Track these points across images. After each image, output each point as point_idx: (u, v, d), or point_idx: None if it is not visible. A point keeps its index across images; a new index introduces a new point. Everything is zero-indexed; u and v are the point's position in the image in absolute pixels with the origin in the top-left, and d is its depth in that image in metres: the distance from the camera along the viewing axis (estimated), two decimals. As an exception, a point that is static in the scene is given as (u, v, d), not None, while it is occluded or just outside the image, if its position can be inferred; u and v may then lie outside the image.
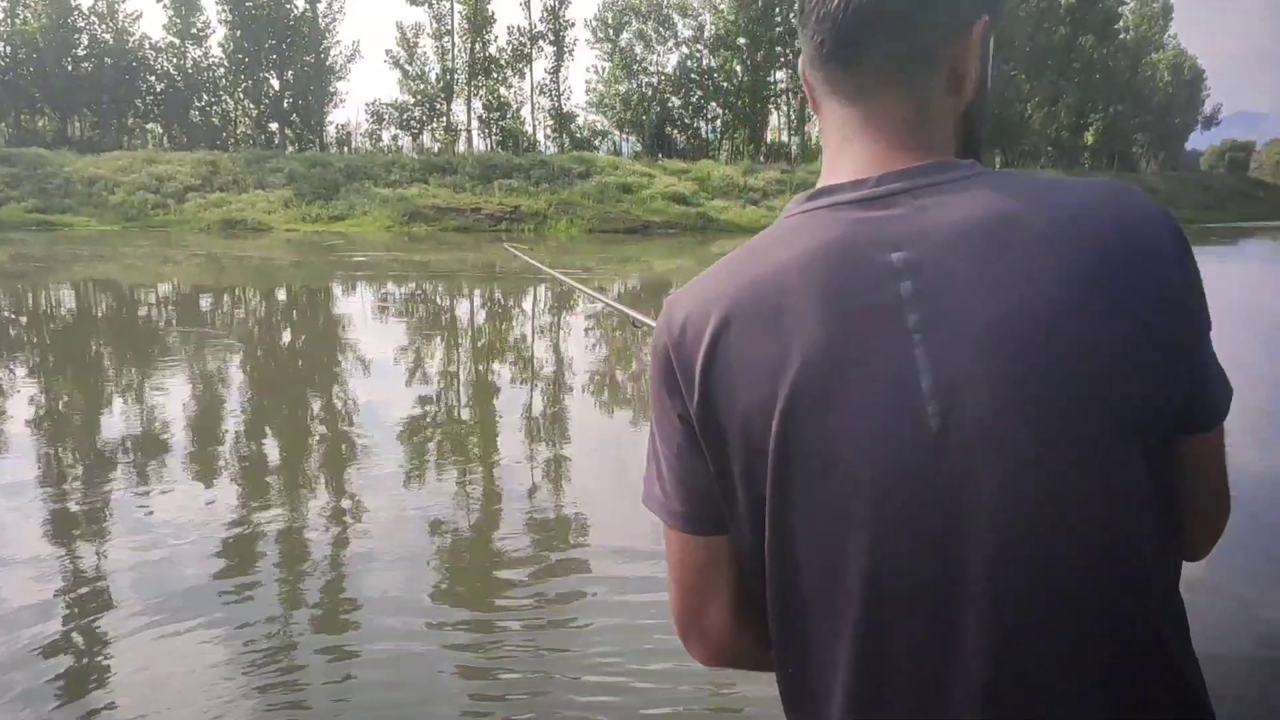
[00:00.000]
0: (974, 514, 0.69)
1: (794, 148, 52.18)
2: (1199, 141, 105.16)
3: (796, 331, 0.73)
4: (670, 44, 49.76)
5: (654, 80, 49.52)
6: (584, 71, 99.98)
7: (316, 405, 7.65)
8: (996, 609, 0.69)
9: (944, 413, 0.69)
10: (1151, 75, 67.78)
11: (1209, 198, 50.95)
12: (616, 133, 50.40)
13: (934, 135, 0.79)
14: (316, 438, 6.57)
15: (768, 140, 52.31)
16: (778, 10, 47.82)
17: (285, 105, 45.92)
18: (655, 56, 49.68)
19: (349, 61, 47.26)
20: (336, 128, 50.08)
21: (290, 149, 43.08)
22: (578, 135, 49.90)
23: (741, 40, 47.80)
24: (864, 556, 0.72)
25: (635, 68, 49.19)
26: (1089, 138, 64.91)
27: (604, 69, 49.61)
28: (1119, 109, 63.51)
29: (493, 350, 10.37)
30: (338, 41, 46.94)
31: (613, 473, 5.90)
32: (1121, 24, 61.62)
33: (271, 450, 6.17)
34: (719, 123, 51.31)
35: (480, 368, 9.47)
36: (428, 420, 7.06)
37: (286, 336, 11.47)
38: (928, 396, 0.70)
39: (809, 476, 0.73)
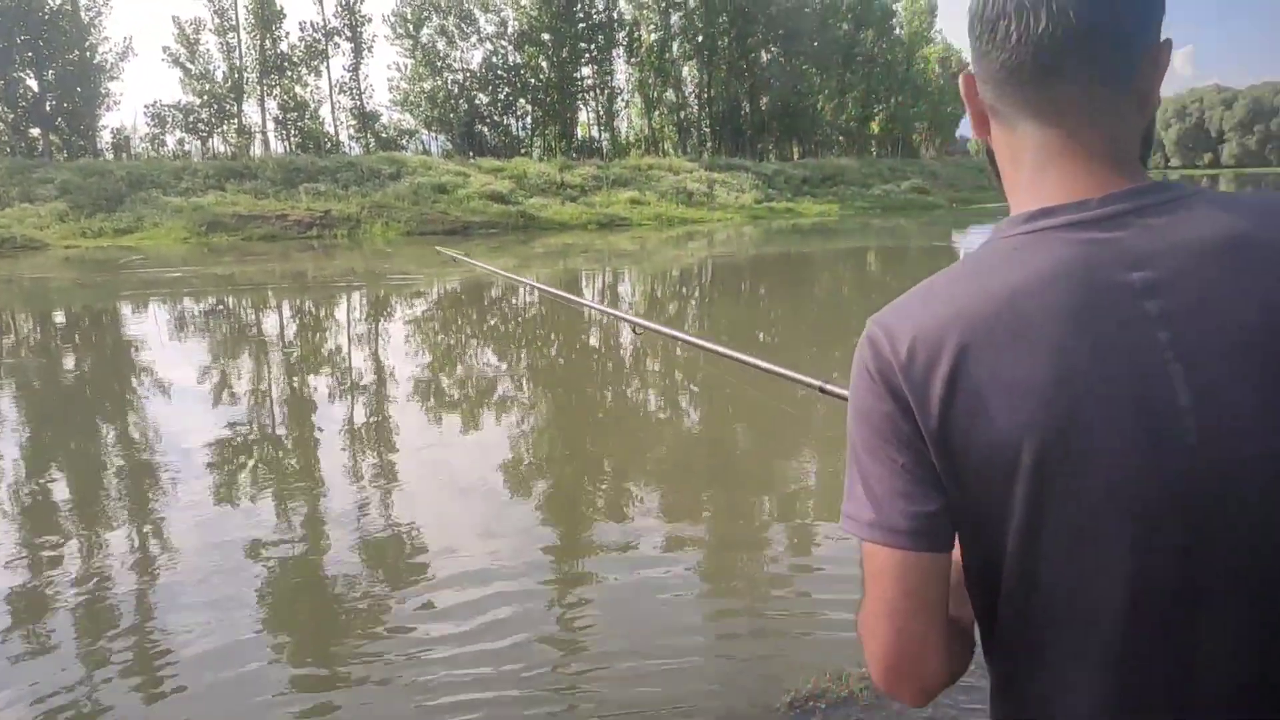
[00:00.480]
0: (1233, 523, 0.72)
1: (605, 143, 52.72)
2: (967, 128, 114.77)
3: (1043, 352, 0.74)
4: (474, 40, 48.98)
5: (459, 77, 48.59)
6: (385, 69, 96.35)
7: (109, 436, 7.01)
8: (1257, 610, 0.73)
9: (1201, 428, 0.72)
10: (924, 68, 73.37)
11: (982, 179, 55.81)
12: (424, 131, 49.12)
13: (1130, 155, 0.82)
14: (111, 471, 6.02)
15: (578, 136, 52.61)
16: (579, 6, 48.12)
17: (48, 108, 41.56)
18: (459, 53, 48.77)
19: (121, 60, 43.27)
20: (112, 132, 45.89)
21: (59, 157, 39.06)
22: (383, 135, 48.22)
23: (546, 36, 47.75)
24: (1121, 566, 0.74)
25: (439, 64, 48.06)
26: (874, 127, 69.54)
27: (406, 66, 48.19)
28: (899, 100, 68.42)
29: (307, 364, 9.87)
30: (106, 38, 42.92)
31: (446, 486, 5.78)
32: (897, 20, 66.30)
33: (58, 489, 5.61)
34: (529, 120, 51.07)
35: (293, 383, 8.99)
36: (237, 443, 6.62)
37: (70, 363, 10.41)
38: (1184, 413, 0.72)
39: (1063, 495, 0.75)
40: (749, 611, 3.88)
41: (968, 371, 0.77)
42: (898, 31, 66.52)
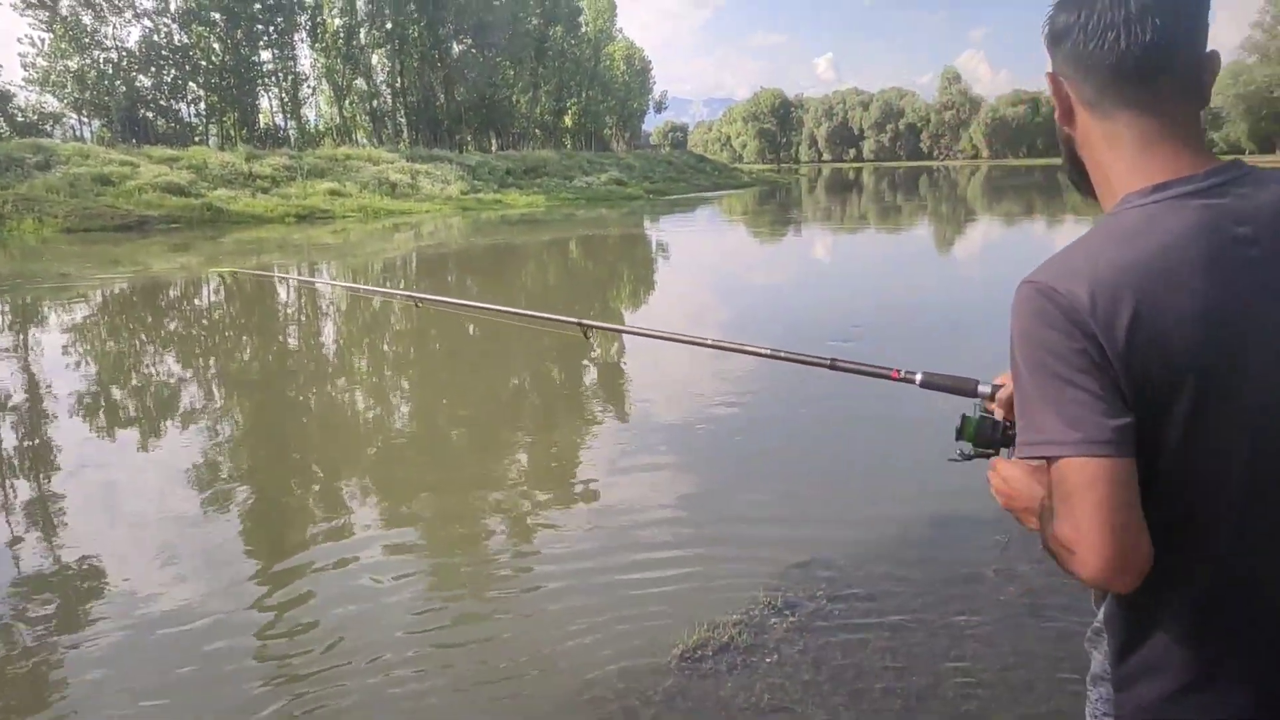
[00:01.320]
0: None
1: (292, 132, 49.50)
2: (650, 123, 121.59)
3: (1196, 293, 0.99)
4: (128, 15, 43.63)
5: (114, 56, 43.12)
6: (16, 42, 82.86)
7: None
8: None
9: None
10: (610, 64, 76.66)
11: (672, 171, 59.66)
12: (73, 116, 43.08)
13: (1203, 139, 1.09)
14: None
15: (260, 124, 48.89)
16: (255, -15, 44.63)
17: None
18: (110, 29, 43.22)
19: None
20: None
21: None
22: (21, 119, 41.61)
23: (216, 15, 43.77)
24: (1244, 468, 1.02)
25: (86, 40, 42.27)
26: (568, 121, 71.61)
27: (43, 40, 41.87)
28: (590, 94, 70.99)
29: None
30: None
31: (119, 511, 5.20)
32: (583, 18, 68.59)
33: None
34: (203, 105, 46.58)
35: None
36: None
37: None
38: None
39: (1220, 395, 1.00)
40: (598, 586, 3.95)
41: (1144, 311, 0.98)
42: (585, 29, 68.84)
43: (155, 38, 43.79)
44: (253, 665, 3.35)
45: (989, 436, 1.39)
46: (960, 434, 1.40)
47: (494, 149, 56.68)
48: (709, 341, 2.09)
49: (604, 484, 5.34)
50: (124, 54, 43.15)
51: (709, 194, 50.15)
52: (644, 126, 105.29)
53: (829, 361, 1.81)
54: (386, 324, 11.81)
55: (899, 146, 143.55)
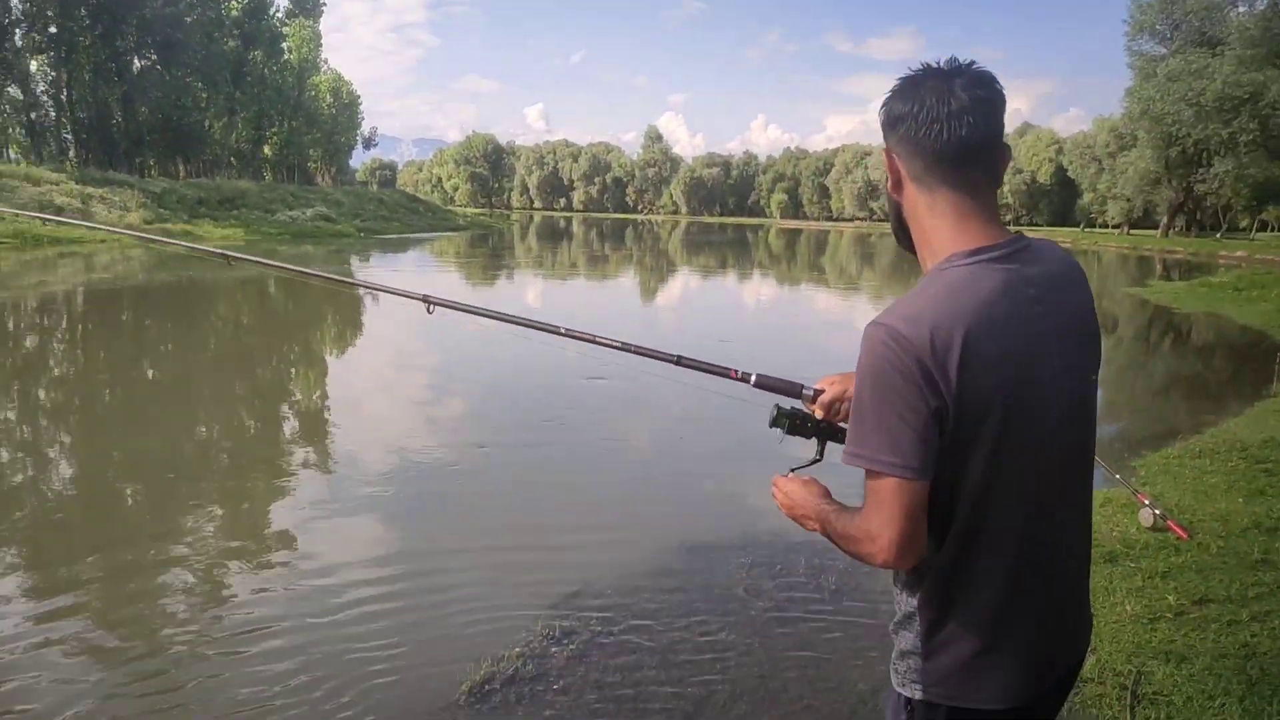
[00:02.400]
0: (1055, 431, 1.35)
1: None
2: (357, 159, 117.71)
3: (1002, 339, 1.26)
4: None
5: None
6: None
7: None
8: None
9: (1063, 380, 1.34)
10: (316, 95, 73.32)
11: (384, 210, 57.89)
12: None
13: (998, 213, 1.39)
14: None
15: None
16: None
17: None
18: None
19: None
20: None
21: None
22: None
23: None
24: (1033, 478, 1.33)
25: None
26: (268, 150, 67.35)
27: None
28: (293, 124, 67.33)
29: None
30: None
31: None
32: (286, 45, 65.13)
33: None
34: None
35: None
36: None
37: None
38: (1059, 374, 1.33)
39: (1021, 426, 1.28)
40: (380, 619, 3.90)
41: (968, 352, 1.23)
42: (288, 56, 65.41)
43: None
44: None
45: (800, 426, 1.76)
46: (774, 422, 1.75)
47: (182, 176, 51.85)
48: (562, 330, 2.18)
49: (333, 529, 5.11)
50: None
51: (424, 235, 49.39)
52: (351, 162, 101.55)
53: (675, 357, 1.97)
54: (43, 359, 10.38)
55: (606, 199, 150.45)
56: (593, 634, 3.78)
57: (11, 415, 7.83)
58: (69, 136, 47.47)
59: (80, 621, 3.85)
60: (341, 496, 5.72)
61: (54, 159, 44.26)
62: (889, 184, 1.42)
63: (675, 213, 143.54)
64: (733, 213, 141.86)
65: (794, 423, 1.76)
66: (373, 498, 5.68)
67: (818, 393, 1.77)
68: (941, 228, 1.35)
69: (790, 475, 1.62)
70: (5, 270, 21.40)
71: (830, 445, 1.75)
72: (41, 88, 46.87)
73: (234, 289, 19.54)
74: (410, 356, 11.84)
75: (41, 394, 8.84)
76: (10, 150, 46.41)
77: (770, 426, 1.76)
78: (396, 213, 58.84)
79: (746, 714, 3.21)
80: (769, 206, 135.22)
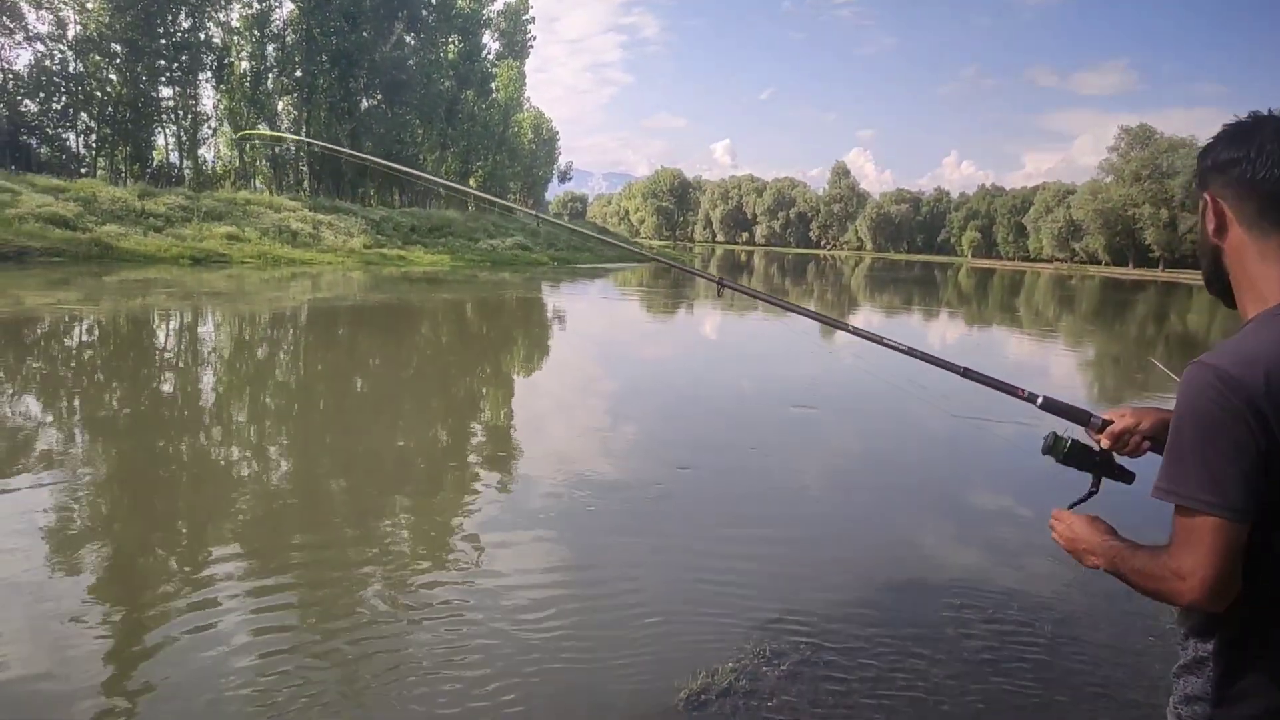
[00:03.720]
0: None
1: (187, 171, 48.09)
2: (551, 191, 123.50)
3: None
4: (19, 38, 41.90)
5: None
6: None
7: None
8: None
9: None
10: (519, 132, 77.93)
11: (576, 240, 60.48)
12: (-53, 137, 40.64)
13: None
14: None
15: (154, 161, 47.35)
16: (160, 21, 43.66)
17: None
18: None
19: None
20: None
21: None
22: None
23: (117, 46, 42.54)
24: None
25: (-32, 60, 40.30)
26: (473, 182, 72.07)
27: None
28: (498, 158, 71.80)
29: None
30: None
31: None
32: (495, 84, 69.75)
33: None
34: (94, 137, 44.80)
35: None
36: None
37: None
38: None
39: None
40: (587, 633, 4.10)
41: None
42: (495, 94, 69.93)
43: (47, 63, 42.11)
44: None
45: (1080, 457, 1.72)
46: (1049, 449, 1.72)
47: (398, 205, 56.40)
48: (850, 327, 2.18)
49: (560, 536, 5.52)
50: (12, 78, 41.26)
51: (612, 265, 51.21)
52: (546, 195, 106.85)
53: (961, 369, 1.96)
54: (271, 369, 11.73)
55: (789, 233, 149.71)
56: (802, 657, 3.94)
57: (242, 417, 9.02)
58: (305, 169, 52.81)
59: (283, 608, 4.24)
60: (544, 509, 6.10)
61: (291, 189, 49.44)
62: (1210, 230, 1.43)
63: (859, 248, 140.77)
64: (920, 250, 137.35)
65: (1074, 451, 1.71)
66: (573, 512, 6.03)
67: (1106, 423, 1.71)
68: (1271, 272, 1.34)
69: (1071, 510, 1.62)
70: (247, 286, 24.23)
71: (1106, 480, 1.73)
72: (285, 124, 52.46)
73: (437, 309, 21.22)
74: (611, 376, 12.47)
75: (267, 399, 10.09)
76: (257, 180, 52.20)
77: (1044, 454, 1.73)
78: (588, 243, 61.29)
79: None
80: (960, 244, 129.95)
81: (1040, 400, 1.82)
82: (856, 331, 2.14)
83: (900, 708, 3.59)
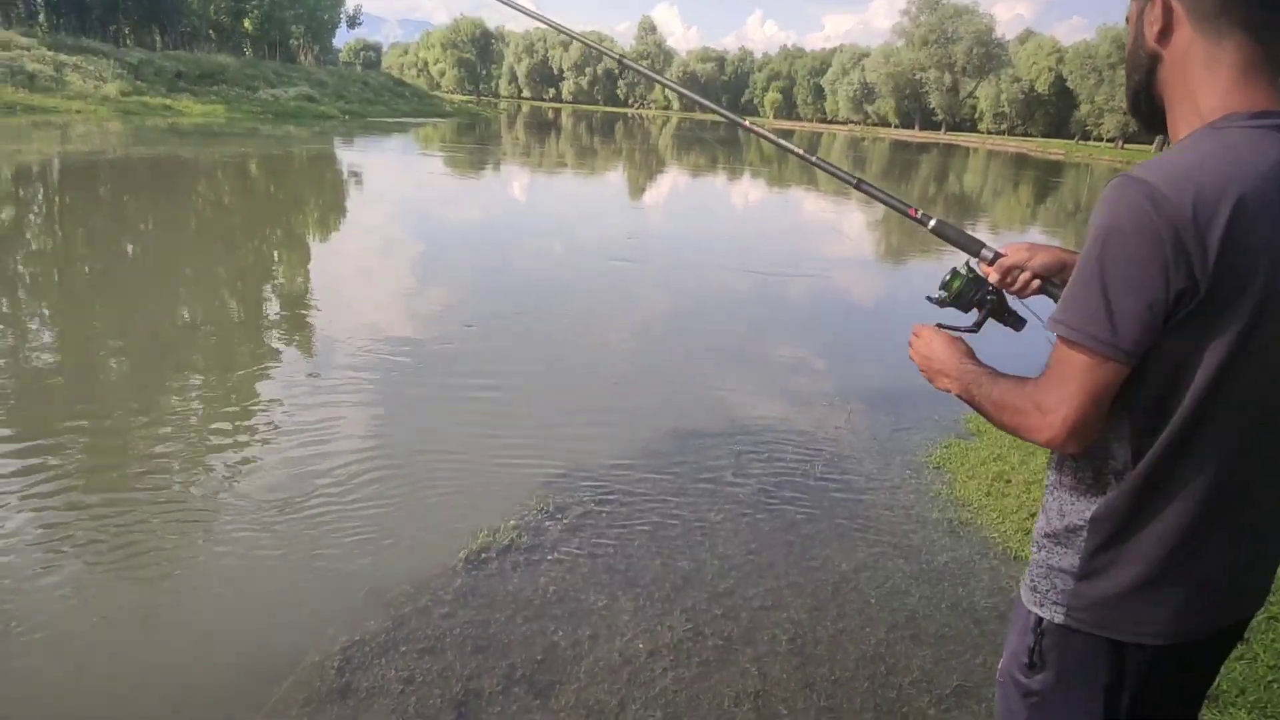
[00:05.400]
0: None
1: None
2: (340, 39, 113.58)
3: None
4: None
5: None
6: None
7: None
8: None
9: None
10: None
11: (368, 92, 56.20)
12: None
13: None
14: None
15: None
16: None
17: None
18: None
19: None
20: None
21: None
22: None
23: None
24: (1269, 383, 1.13)
25: None
26: (248, 25, 64.72)
27: None
28: (274, -1, 64.57)
29: None
30: None
31: None
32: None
33: None
34: None
35: None
36: None
37: None
38: None
39: (1272, 324, 1.09)
40: (370, 498, 3.96)
41: (1234, 228, 1.04)
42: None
43: None
44: None
45: (967, 297, 1.52)
46: (944, 285, 1.53)
47: (158, 47, 49.89)
48: (813, 160, 1.85)
49: (342, 408, 5.18)
50: None
51: (410, 120, 48.16)
52: (335, 42, 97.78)
53: (855, 180, 1.77)
54: (21, 232, 10.23)
55: (597, 91, 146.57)
56: (585, 510, 3.93)
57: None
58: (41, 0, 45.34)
59: (59, 492, 3.86)
60: (333, 374, 5.75)
61: (22, 22, 42.37)
62: (1150, 35, 1.21)
63: (667, 108, 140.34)
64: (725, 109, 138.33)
65: (962, 294, 1.53)
66: (362, 377, 5.72)
67: (997, 255, 1.53)
68: (1218, 83, 1.15)
69: (935, 326, 1.46)
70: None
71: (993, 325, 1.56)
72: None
73: (215, 166, 19.13)
74: (415, 238, 11.73)
75: (20, 265, 8.73)
76: (-24, 12, 44.36)
77: (938, 290, 1.55)
78: (381, 96, 57.16)
79: (734, 588, 3.38)
80: (763, 106, 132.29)
81: (932, 224, 1.63)
82: (804, 159, 1.86)
83: (677, 550, 3.65)
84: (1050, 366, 1.18)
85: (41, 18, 44.98)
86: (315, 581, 3.26)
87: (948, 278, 1.53)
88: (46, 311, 7.15)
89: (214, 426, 4.75)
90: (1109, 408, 1.17)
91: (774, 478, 4.47)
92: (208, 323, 6.98)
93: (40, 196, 13.50)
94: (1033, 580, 1.33)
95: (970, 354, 1.39)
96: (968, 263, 1.57)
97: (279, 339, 6.65)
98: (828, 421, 5.43)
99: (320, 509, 3.81)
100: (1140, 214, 1.07)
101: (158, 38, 53.19)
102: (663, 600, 3.24)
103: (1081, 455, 1.24)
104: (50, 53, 33.26)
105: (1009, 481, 4.48)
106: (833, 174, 1.82)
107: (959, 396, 1.35)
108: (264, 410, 5.04)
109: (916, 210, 1.67)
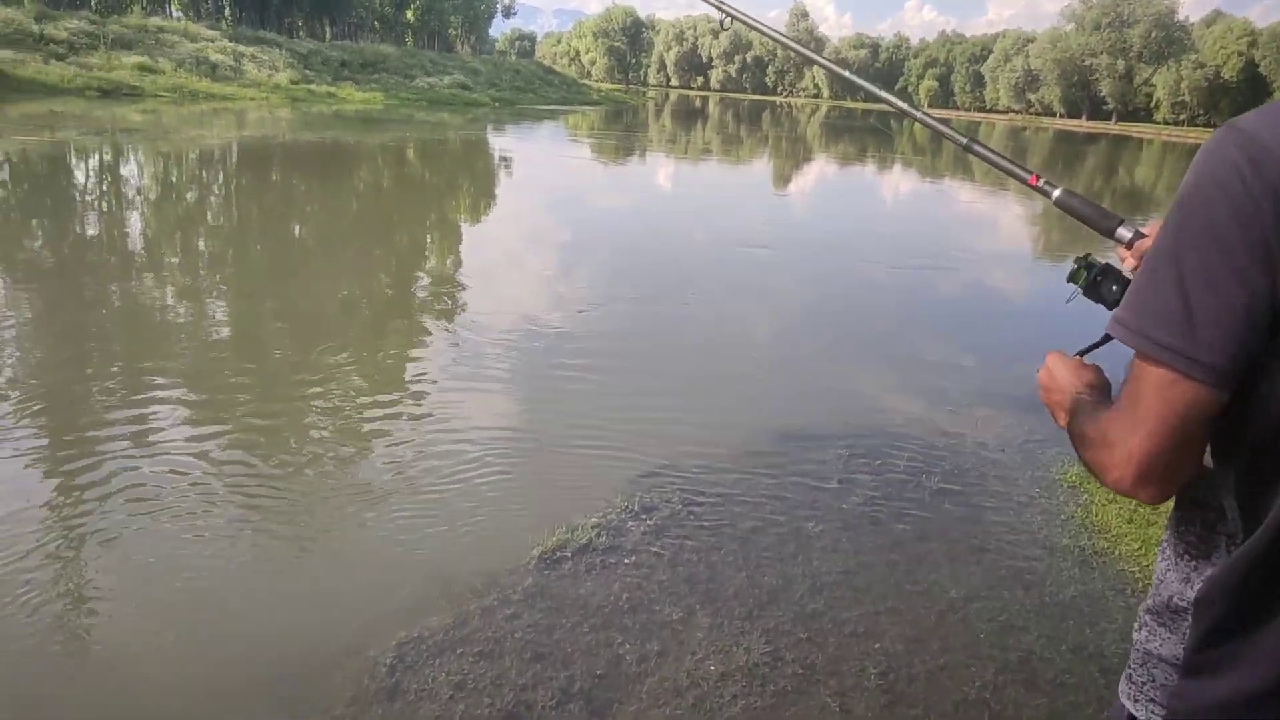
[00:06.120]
0: None
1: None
2: (496, 28, 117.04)
3: None
4: None
5: None
6: None
7: None
8: None
9: None
10: (460, -40, 72.50)
11: (519, 80, 57.67)
12: None
13: None
14: None
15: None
16: None
17: None
18: None
19: None
20: None
21: None
22: None
23: None
24: None
25: None
26: (409, 15, 67.58)
27: None
28: (435, -11, 67.13)
29: None
30: None
31: None
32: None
33: None
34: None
35: None
36: None
37: None
38: None
39: None
40: (452, 489, 3.88)
41: None
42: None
43: None
44: (48, 599, 3.04)
45: (1099, 292, 1.19)
46: (1071, 276, 1.22)
47: (327, 38, 52.75)
48: (932, 122, 1.66)
49: (445, 390, 5.15)
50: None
51: (558, 108, 49.00)
52: (490, 32, 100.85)
53: (965, 141, 1.51)
54: (202, 213, 10.88)
55: (745, 79, 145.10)
56: (672, 511, 3.72)
57: (175, 263, 8.25)
58: (225, -5, 48.80)
59: (223, 453, 4.01)
60: (444, 357, 5.76)
61: (210, 16, 45.73)
62: None
63: (816, 96, 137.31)
64: (878, 99, 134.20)
65: (1091, 285, 1.20)
66: (475, 359, 5.69)
67: (1139, 235, 1.18)
68: None
69: (1078, 356, 1.14)
70: (166, 121, 22.55)
71: None
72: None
73: (375, 152, 19.99)
74: (561, 224, 11.83)
75: (200, 244, 9.28)
76: (172, 7, 48.13)
77: (1068, 281, 1.23)
78: (531, 84, 58.44)
79: (823, 610, 3.09)
80: (917, 93, 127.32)
81: (1057, 193, 1.31)
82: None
83: (766, 563, 3.37)
84: (1124, 383, 0.89)
85: (227, 11, 48.32)
86: (383, 570, 3.21)
87: (1075, 268, 1.21)
88: (224, 287, 7.50)
89: (307, 407, 4.82)
90: (1204, 446, 0.86)
91: (883, 488, 4.12)
92: (361, 298, 7.17)
93: (220, 179, 14.45)
94: (1130, 668, 1.02)
95: (1095, 383, 1.05)
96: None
97: (413, 322, 6.76)
98: (951, 428, 4.99)
99: (398, 495, 3.76)
100: (1231, 174, 0.76)
101: (327, 29, 56.24)
102: (743, 618, 3.00)
103: (1185, 510, 0.93)
104: (231, 44, 35.73)
105: (1156, 509, 3.96)
106: (942, 133, 1.58)
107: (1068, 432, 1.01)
108: (356, 392, 5.08)
109: (1038, 177, 1.36)
